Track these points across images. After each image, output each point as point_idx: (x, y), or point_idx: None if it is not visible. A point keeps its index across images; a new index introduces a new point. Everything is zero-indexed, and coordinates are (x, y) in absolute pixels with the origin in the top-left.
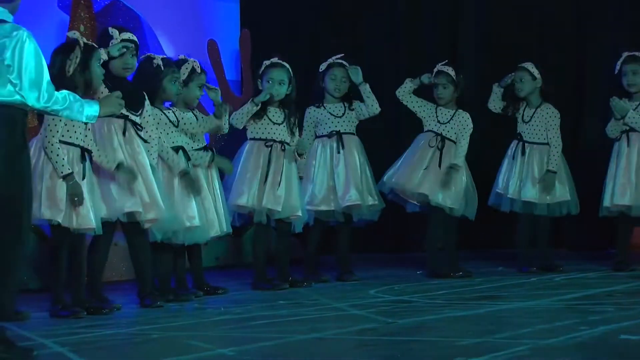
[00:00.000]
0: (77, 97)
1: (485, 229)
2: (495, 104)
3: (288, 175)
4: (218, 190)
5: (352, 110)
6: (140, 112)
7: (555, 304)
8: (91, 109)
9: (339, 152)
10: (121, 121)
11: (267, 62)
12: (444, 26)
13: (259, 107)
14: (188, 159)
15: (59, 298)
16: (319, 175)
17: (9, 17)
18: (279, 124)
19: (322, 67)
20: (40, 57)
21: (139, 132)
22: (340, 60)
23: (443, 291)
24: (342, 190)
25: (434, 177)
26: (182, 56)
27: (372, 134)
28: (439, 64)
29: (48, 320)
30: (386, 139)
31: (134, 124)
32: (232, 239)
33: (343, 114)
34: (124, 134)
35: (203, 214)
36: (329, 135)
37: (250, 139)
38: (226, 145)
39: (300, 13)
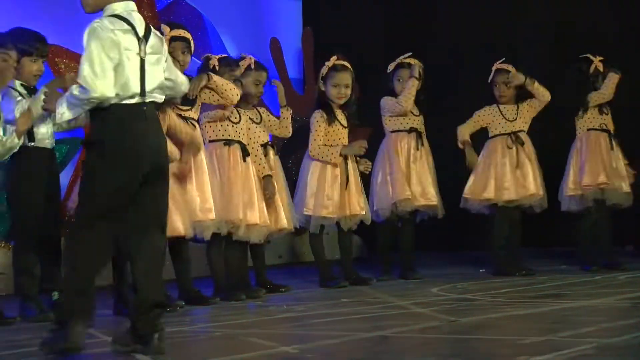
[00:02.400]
0: None
1: (548, 227)
2: None
3: (356, 177)
4: (284, 188)
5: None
6: (190, 107)
7: (620, 302)
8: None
9: (418, 149)
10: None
11: (329, 64)
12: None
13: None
14: (247, 154)
15: (123, 296)
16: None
17: None
18: (345, 127)
19: (390, 67)
20: None
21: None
22: (407, 60)
23: (506, 289)
24: (420, 188)
25: (513, 177)
26: (243, 55)
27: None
28: (497, 62)
29: (112, 318)
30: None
31: (188, 119)
32: (294, 237)
33: (420, 112)
34: None
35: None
36: (409, 131)
37: (326, 145)
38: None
39: (362, 11)
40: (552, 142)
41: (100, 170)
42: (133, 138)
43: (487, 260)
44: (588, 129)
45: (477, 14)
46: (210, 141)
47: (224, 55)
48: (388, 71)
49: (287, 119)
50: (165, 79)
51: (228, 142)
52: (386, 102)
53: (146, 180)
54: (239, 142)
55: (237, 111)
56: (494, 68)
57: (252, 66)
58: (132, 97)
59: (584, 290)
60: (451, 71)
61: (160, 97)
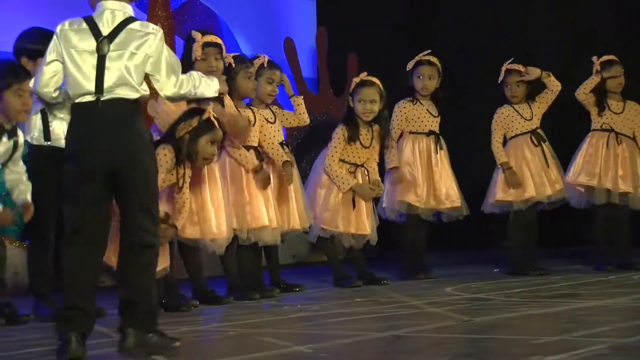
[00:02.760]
0: None
1: (562, 226)
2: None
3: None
4: (299, 188)
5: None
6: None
7: (634, 302)
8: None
9: (437, 153)
10: None
11: (357, 80)
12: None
13: None
14: (261, 159)
15: None
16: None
17: None
18: (366, 147)
19: (409, 65)
20: None
21: None
22: (427, 57)
23: (520, 289)
24: (444, 190)
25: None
26: (258, 54)
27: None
28: (507, 63)
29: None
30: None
31: None
32: (308, 236)
33: (439, 113)
34: None
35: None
36: (427, 134)
37: (341, 160)
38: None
39: (376, 10)
40: (564, 140)
41: (65, 174)
42: (80, 138)
43: (501, 259)
44: (592, 130)
45: (490, 13)
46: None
47: (237, 54)
48: (407, 69)
49: (301, 105)
50: (150, 74)
51: (246, 149)
52: (398, 113)
53: (114, 185)
54: (254, 148)
55: (253, 112)
56: (503, 68)
57: (265, 64)
58: (84, 95)
59: (598, 290)
60: (462, 70)
61: (130, 94)
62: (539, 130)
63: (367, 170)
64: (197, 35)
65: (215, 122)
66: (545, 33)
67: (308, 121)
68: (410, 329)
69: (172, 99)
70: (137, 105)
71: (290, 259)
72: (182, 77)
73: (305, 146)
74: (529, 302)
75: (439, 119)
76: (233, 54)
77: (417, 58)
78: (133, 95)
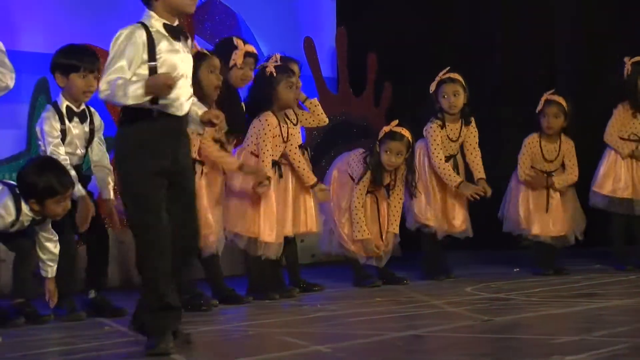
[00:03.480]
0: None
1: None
2: None
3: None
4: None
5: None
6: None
7: None
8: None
9: None
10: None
11: (439, 77)
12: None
13: None
14: (280, 175)
15: None
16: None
17: None
18: (455, 141)
19: (432, 87)
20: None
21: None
22: (450, 75)
23: (539, 289)
24: (456, 216)
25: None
26: (275, 55)
27: None
28: (547, 93)
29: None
30: None
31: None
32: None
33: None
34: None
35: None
36: (447, 159)
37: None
38: None
39: (395, 10)
40: (591, 144)
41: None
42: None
43: (521, 259)
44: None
45: (515, 13)
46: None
47: (279, 63)
48: (431, 91)
49: (318, 106)
50: None
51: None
52: (430, 137)
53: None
54: (276, 162)
55: (287, 126)
56: (543, 99)
57: (279, 62)
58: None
59: (618, 290)
60: (487, 73)
61: None
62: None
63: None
64: (239, 42)
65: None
66: (568, 45)
67: (327, 121)
68: (429, 329)
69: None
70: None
71: (310, 258)
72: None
73: (325, 146)
74: (548, 301)
75: (457, 143)
76: (274, 63)
77: (438, 78)
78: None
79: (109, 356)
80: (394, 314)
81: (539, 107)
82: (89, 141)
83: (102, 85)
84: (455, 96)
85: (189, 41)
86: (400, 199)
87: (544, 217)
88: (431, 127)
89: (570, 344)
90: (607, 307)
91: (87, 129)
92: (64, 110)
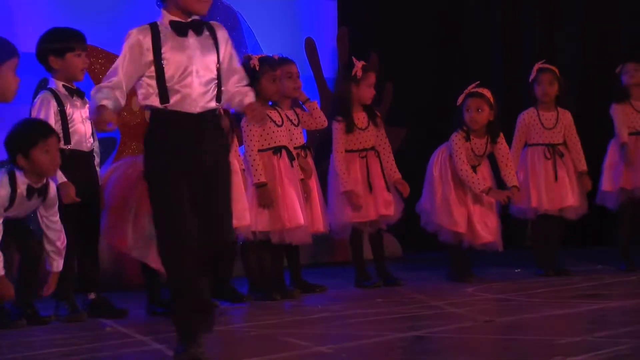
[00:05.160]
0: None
1: (584, 227)
2: None
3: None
4: (315, 191)
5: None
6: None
7: None
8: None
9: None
10: None
11: (467, 90)
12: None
13: None
14: (293, 158)
15: (156, 295)
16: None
17: None
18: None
19: (459, 100)
20: None
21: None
22: (477, 89)
23: (541, 289)
24: (480, 227)
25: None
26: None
27: None
28: (539, 63)
29: (146, 317)
30: None
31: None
32: (329, 237)
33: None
34: None
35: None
36: None
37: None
38: None
39: (397, 10)
40: (597, 144)
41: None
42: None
43: (523, 259)
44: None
45: (517, 14)
46: (259, 150)
47: (263, 55)
48: (457, 104)
49: (316, 109)
50: None
51: (277, 150)
52: (453, 144)
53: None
54: (286, 148)
55: (279, 112)
56: (535, 68)
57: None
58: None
59: (620, 291)
60: (488, 71)
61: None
62: (560, 146)
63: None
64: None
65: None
66: (571, 44)
67: (326, 124)
68: (431, 330)
69: None
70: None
71: (311, 259)
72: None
73: (326, 147)
74: (550, 302)
75: (483, 158)
76: (258, 56)
77: (466, 91)
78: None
79: (110, 357)
80: (396, 315)
81: (532, 77)
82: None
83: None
84: (478, 112)
85: (208, 32)
86: (387, 145)
87: (552, 190)
88: (455, 136)
89: (572, 345)
90: (609, 307)
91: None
92: (63, 90)
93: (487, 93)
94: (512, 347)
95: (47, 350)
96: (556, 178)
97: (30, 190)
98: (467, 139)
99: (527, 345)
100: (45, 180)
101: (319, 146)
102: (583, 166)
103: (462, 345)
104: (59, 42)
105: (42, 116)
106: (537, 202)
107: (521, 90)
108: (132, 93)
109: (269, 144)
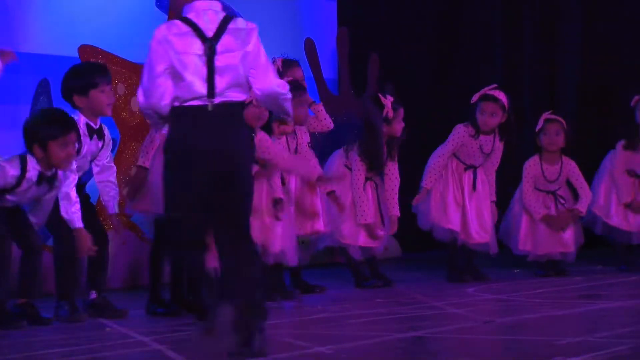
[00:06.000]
0: None
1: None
2: None
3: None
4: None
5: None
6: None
7: None
8: None
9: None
10: None
11: (483, 91)
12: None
13: None
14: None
15: (157, 296)
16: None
17: None
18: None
19: (473, 99)
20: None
21: None
22: (491, 92)
23: (541, 290)
24: (476, 226)
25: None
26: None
27: None
28: (546, 113)
29: (146, 317)
30: None
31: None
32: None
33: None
34: None
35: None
36: (465, 168)
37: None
38: None
39: (397, 10)
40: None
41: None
42: (190, 140)
43: (523, 260)
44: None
45: (517, 16)
46: None
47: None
48: (472, 101)
49: (321, 111)
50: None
51: None
52: (454, 134)
53: (215, 184)
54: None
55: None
56: (543, 118)
57: (280, 68)
58: (195, 99)
59: (620, 291)
60: (486, 75)
61: (240, 96)
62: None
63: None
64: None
65: None
66: (572, 48)
67: (332, 126)
68: (431, 330)
69: (265, 98)
70: (243, 107)
71: (310, 259)
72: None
73: (327, 148)
74: (550, 303)
75: (489, 155)
76: (287, 79)
77: (482, 92)
78: (243, 96)
79: (110, 357)
80: (396, 315)
81: (539, 126)
82: (95, 155)
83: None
84: (492, 116)
85: None
86: (396, 178)
87: (549, 235)
88: (460, 128)
89: (572, 345)
90: (609, 308)
91: (100, 144)
92: (84, 129)
93: (502, 97)
94: (512, 347)
95: (48, 350)
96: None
97: (41, 177)
98: (476, 136)
99: (527, 346)
100: (55, 171)
101: (321, 146)
102: (584, 208)
103: (462, 346)
104: (81, 79)
105: None
106: (532, 247)
107: (521, 91)
108: (131, 94)
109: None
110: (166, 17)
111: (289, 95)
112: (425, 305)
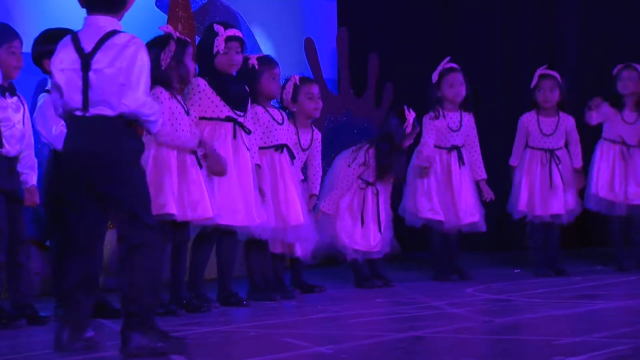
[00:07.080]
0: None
1: (583, 228)
2: None
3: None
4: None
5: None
6: (244, 113)
7: None
8: None
9: (460, 168)
10: (230, 124)
11: (442, 67)
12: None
13: None
14: (293, 157)
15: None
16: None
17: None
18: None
19: (434, 77)
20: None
21: (245, 136)
22: (452, 65)
23: (541, 290)
24: (464, 207)
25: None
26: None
27: None
28: (541, 68)
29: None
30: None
31: (242, 126)
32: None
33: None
34: (234, 136)
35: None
36: (449, 150)
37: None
38: None
39: (396, 10)
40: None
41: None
42: (70, 150)
43: (523, 260)
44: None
45: (516, 14)
46: (260, 148)
47: (262, 54)
48: (434, 81)
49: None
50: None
51: (278, 148)
52: (424, 127)
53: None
54: (287, 146)
55: (280, 112)
56: (537, 74)
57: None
58: (74, 110)
59: (619, 291)
60: (485, 74)
61: (109, 111)
62: (558, 151)
63: None
64: (219, 28)
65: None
66: (571, 41)
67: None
68: (431, 330)
69: (130, 115)
70: (120, 120)
71: (311, 259)
72: (148, 98)
73: (326, 147)
74: (550, 302)
75: (461, 132)
76: (257, 55)
77: (440, 68)
78: (111, 112)
79: (110, 357)
80: (395, 315)
81: (534, 83)
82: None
83: None
84: (460, 85)
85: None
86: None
87: (545, 196)
88: (425, 119)
89: (571, 345)
90: (609, 308)
91: None
92: None
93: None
94: (512, 347)
95: (47, 350)
96: (551, 185)
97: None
98: (439, 116)
99: (526, 346)
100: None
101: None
102: (578, 163)
103: (462, 346)
104: (51, 44)
105: (48, 116)
106: (527, 207)
107: (521, 91)
108: None
109: (271, 142)
110: (166, 17)
111: (153, 118)
112: (425, 305)
